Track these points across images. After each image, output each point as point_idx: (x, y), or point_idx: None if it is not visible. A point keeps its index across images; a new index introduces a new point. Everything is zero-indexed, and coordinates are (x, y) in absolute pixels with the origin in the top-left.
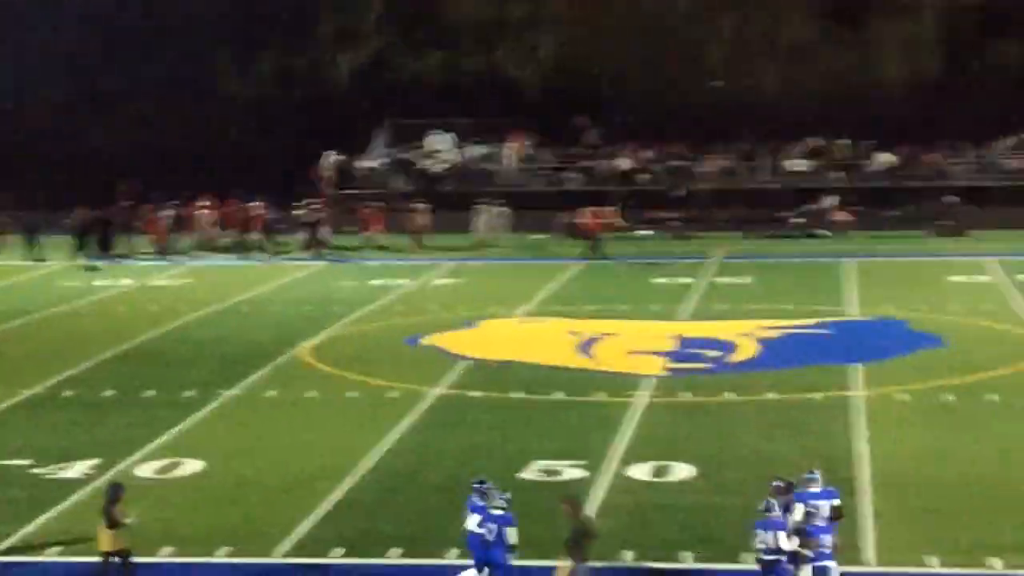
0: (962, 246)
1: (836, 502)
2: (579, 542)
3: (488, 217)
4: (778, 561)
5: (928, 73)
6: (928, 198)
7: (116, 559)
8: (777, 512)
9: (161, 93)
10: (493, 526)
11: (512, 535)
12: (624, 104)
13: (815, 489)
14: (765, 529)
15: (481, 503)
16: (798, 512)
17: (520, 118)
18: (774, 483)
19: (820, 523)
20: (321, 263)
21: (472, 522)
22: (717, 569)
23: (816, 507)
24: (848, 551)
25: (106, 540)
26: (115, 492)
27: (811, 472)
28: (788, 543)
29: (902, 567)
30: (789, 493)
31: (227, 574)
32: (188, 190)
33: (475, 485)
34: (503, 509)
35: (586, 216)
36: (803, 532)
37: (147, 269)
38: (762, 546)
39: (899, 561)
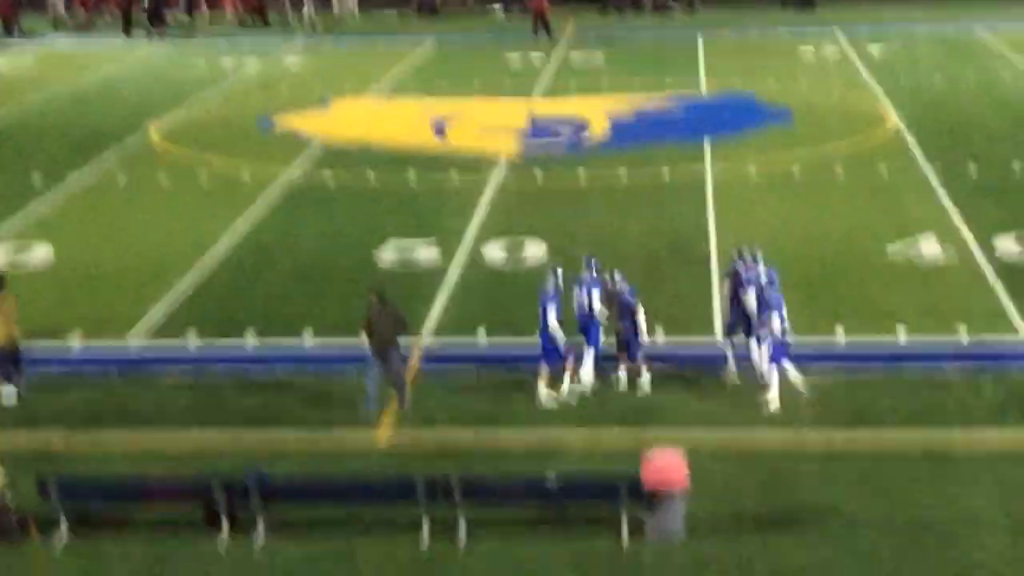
0: (811, 19)
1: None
2: (399, 330)
3: None
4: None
5: None
6: None
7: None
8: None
9: None
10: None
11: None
12: None
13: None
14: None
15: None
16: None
17: None
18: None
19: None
20: (165, 42)
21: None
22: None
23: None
24: (700, 323)
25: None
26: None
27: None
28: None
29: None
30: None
31: (81, 359)
32: None
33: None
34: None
35: None
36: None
37: None
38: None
39: None
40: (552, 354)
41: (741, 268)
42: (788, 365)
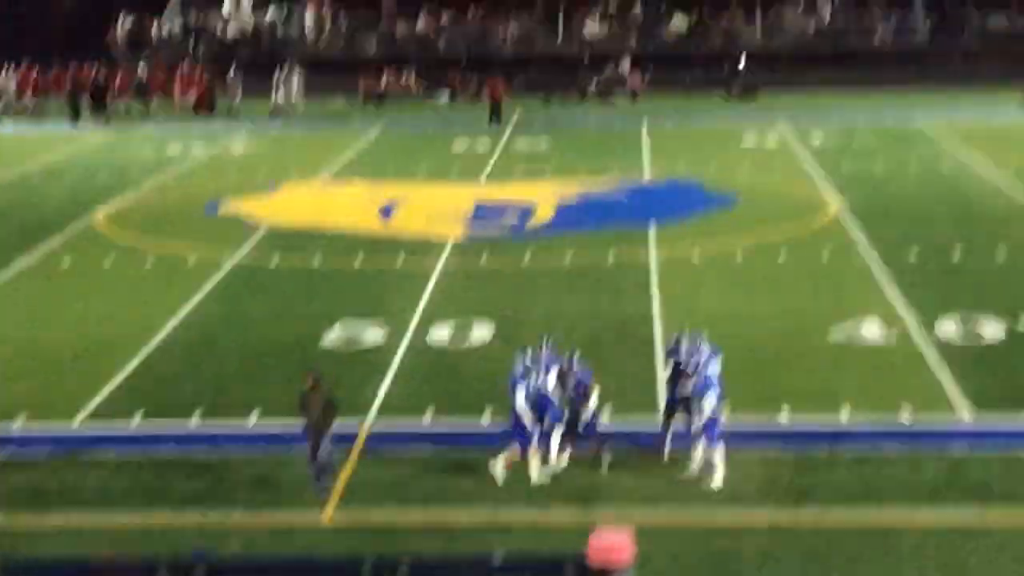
0: (753, 109)
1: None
2: (329, 414)
3: (288, 82)
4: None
5: None
6: (721, 62)
7: None
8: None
9: None
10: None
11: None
12: None
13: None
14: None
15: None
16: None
17: None
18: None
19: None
20: (112, 128)
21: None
22: None
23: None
24: (644, 404)
25: None
26: None
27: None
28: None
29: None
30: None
31: (26, 443)
32: None
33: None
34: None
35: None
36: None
37: None
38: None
39: None
40: (520, 434)
41: (681, 350)
42: (717, 447)
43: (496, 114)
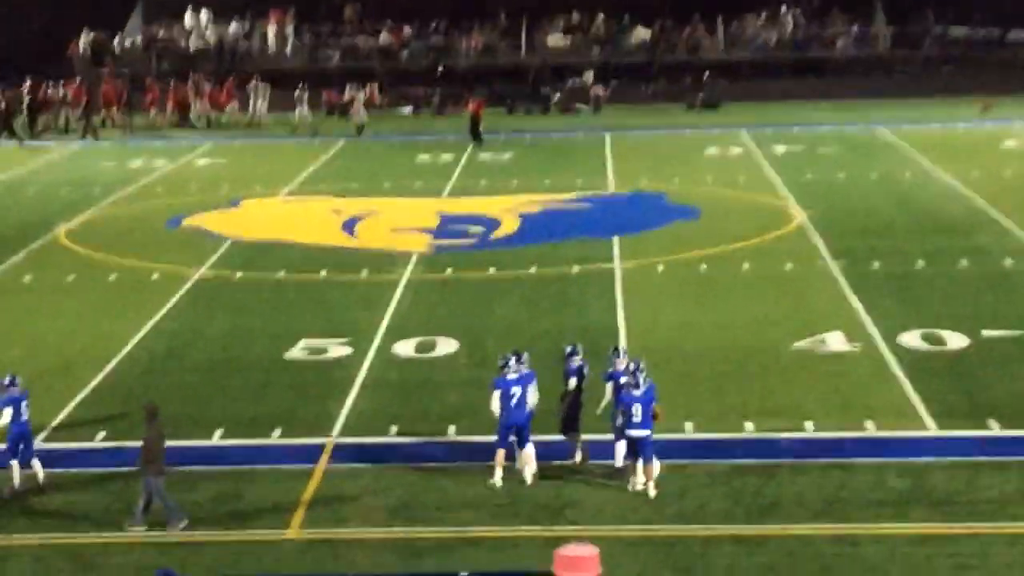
0: (716, 119)
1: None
2: (155, 452)
3: (256, 96)
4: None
5: None
6: (683, 72)
7: None
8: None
9: None
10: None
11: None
12: None
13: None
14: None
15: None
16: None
17: None
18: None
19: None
20: (77, 145)
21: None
22: (480, 440)
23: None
24: (605, 421)
25: None
26: None
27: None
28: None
29: (656, 433)
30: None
31: None
32: None
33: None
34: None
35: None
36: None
37: None
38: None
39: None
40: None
41: (613, 367)
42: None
43: (475, 130)
